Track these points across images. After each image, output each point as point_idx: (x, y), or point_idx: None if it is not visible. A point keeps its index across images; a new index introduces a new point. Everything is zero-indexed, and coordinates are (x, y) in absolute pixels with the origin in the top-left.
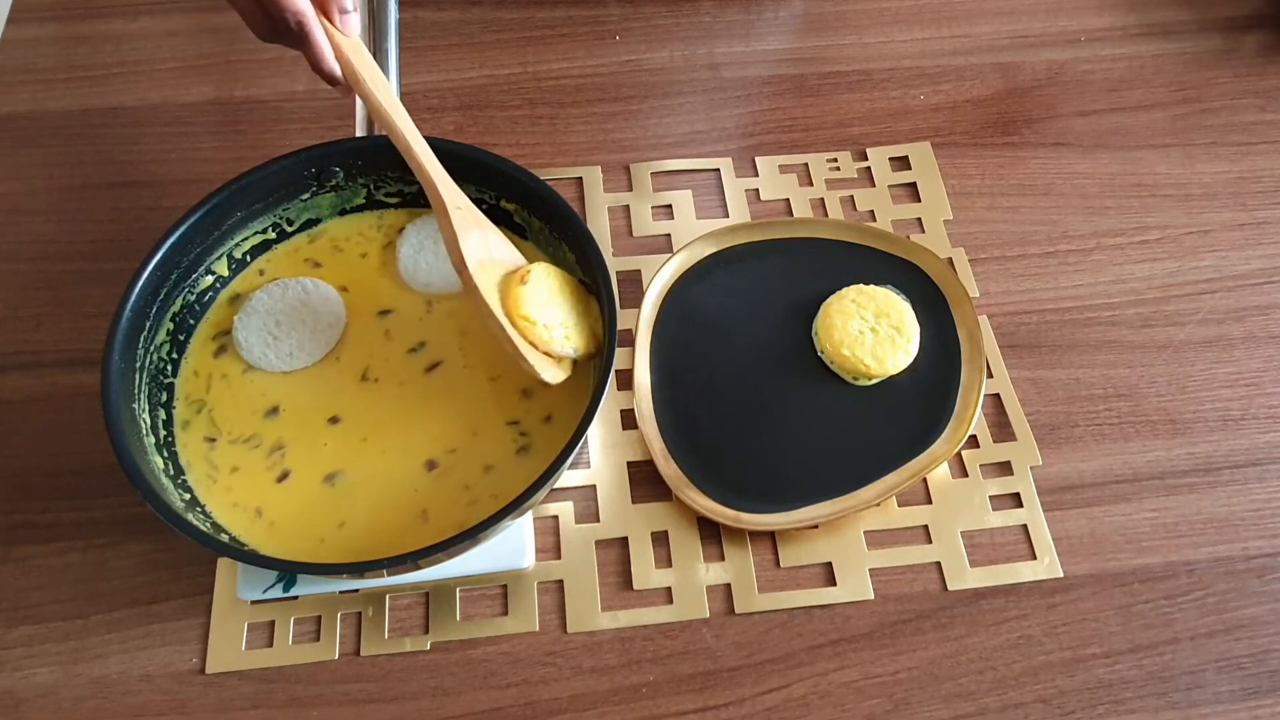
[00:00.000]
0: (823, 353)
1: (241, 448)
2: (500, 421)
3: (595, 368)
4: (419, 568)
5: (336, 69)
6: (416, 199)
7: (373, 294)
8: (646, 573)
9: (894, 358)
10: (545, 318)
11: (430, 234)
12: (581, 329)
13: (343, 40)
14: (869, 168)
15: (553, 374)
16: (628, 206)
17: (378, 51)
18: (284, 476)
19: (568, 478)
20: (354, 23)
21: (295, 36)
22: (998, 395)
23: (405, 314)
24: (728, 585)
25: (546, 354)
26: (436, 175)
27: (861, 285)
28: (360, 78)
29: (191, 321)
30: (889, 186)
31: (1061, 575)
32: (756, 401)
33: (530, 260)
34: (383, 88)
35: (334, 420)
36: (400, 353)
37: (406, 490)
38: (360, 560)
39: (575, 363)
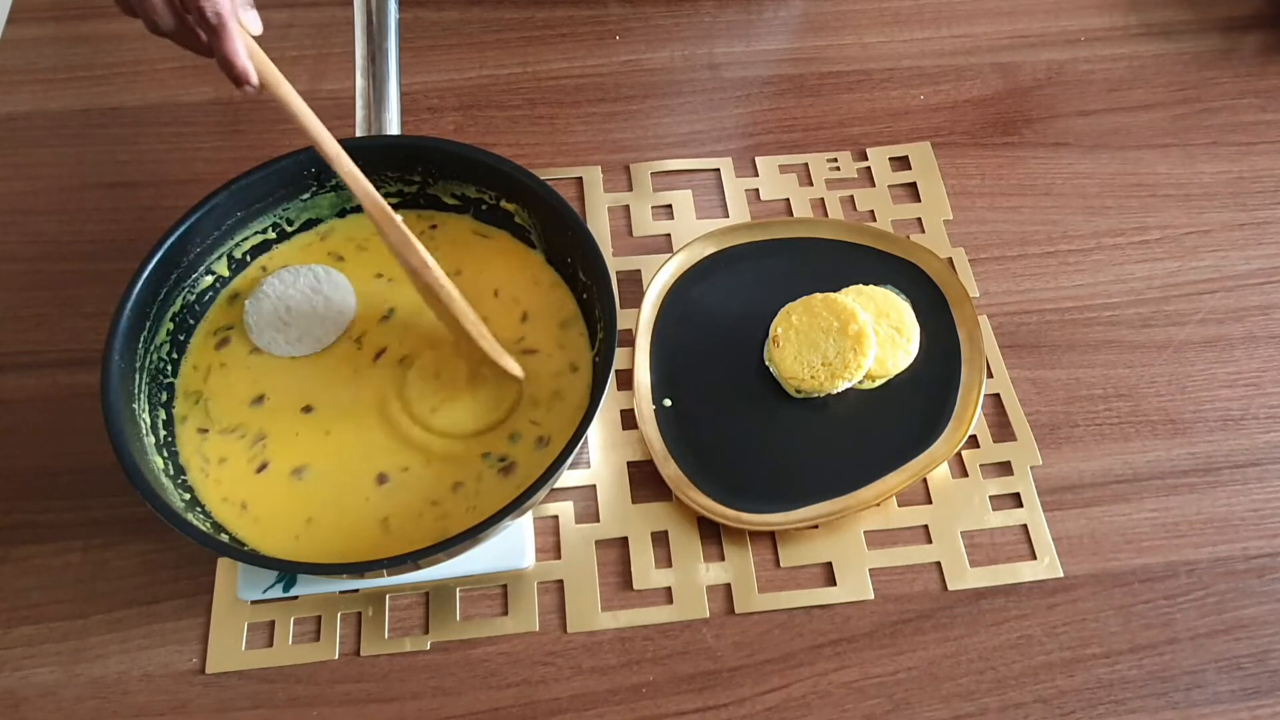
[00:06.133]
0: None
1: (229, 438)
2: (476, 453)
3: (595, 368)
4: (419, 568)
5: (251, 69)
6: (416, 199)
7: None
8: (646, 573)
9: (894, 358)
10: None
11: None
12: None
13: (251, 39)
14: (869, 168)
15: (517, 368)
16: (628, 206)
17: (378, 51)
18: (263, 468)
19: (568, 478)
20: (256, 21)
21: (208, 32)
22: (998, 395)
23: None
24: (728, 585)
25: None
26: (369, 186)
27: (861, 285)
28: (280, 80)
29: (191, 321)
30: (889, 186)
31: (1061, 575)
32: (757, 401)
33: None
34: (295, 94)
35: (307, 409)
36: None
37: (358, 499)
38: (347, 561)
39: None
